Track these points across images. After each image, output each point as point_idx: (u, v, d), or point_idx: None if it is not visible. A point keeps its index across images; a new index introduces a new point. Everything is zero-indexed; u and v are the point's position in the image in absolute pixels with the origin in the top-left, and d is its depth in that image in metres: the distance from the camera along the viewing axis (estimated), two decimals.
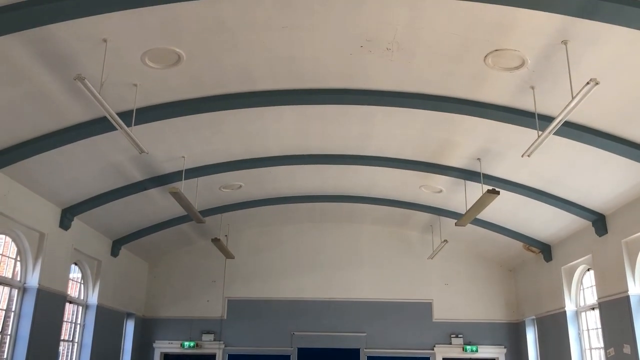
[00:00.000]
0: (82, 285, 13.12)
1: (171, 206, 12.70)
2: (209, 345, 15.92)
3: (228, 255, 15.47)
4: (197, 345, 15.86)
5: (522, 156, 8.27)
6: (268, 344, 15.89)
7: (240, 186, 13.03)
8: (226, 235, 15.96)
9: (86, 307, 13.10)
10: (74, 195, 11.14)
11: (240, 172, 11.94)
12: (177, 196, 10.33)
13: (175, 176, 11.37)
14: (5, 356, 9.94)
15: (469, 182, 11.72)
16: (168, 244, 16.19)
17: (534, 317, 14.97)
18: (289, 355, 15.80)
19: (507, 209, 12.61)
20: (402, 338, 15.88)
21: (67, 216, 11.38)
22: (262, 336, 15.98)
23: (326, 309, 16.17)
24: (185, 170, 11.20)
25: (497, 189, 10.00)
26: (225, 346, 15.91)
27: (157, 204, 12.90)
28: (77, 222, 11.95)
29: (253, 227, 16.77)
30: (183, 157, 10.85)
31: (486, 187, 10.51)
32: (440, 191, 12.82)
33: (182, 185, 11.04)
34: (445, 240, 14.27)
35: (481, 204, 10.42)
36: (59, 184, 10.43)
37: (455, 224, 11.96)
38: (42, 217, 10.68)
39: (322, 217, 16.47)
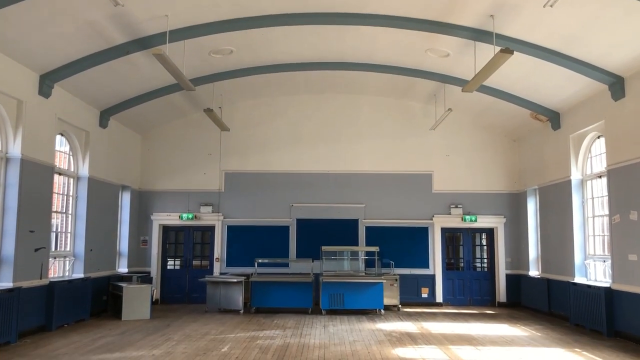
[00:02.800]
0: (71, 157, 12.67)
1: (159, 74, 11.87)
2: (208, 217, 15.87)
3: (223, 127, 14.91)
4: (195, 217, 15.81)
5: (544, 6, 7.36)
6: (267, 216, 15.84)
7: (232, 51, 12.11)
8: (220, 107, 15.27)
9: (77, 179, 12.75)
10: (51, 59, 10.32)
11: (230, 34, 10.98)
12: (162, 58, 9.50)
13: (158, 38, 10.44)
14: None
15: (479, 44, 10.81)
16: (160, 116, 15.57)
17: (536, 187, 14.74)
18: (288, 226, 15.81)
19: (518, 73, 11.81)
20: (401, 209, 15.80)
21: (46, 82, 10.65)
22: (261, 208, 15.90)
23: (325, 181, 15.94)
24: (170, 31, 10.25)
25: (510, 49, 9.17)
26: (224, 218, 15.86)
27: (143, 71, 12.07)
28: (59, 90, 11.23)
29: (247, 98, 16.04)
30: (166, 15, 9.86)
31: (498, 48, 9.64)
32: (448, 55, 11.93)
33: (167, 49, 10.15)
34: (450, 109, 13.62)
35: (492, 65, 9.62)
36: (31, 45, 9.58)
37: (462, 90, 11.23)
38: (18, 83, 9.95)
39: (320, 88, 15.67)
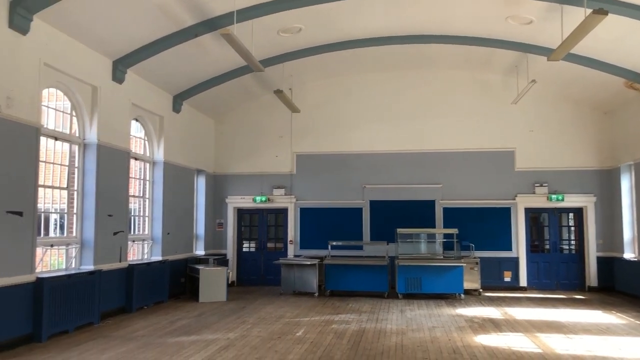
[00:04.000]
0: (146, 142, 12.88)
1: (228, 56, 11.75)
2: (281, 199, 15.79)
3: (293, 109, 14.70)
4: (268, 200, 15.78)
5: None
6: (339, 198, 15.54)
7: (300, 29, 11.79)
8: (290, 89, 15.06)
9: (153, 163, 12.96)
10: (123, 44, 10.43)
11: (299, 11, 10.66)
12: (230, 38, 9.34)
13: (226, 19, 10.27)
14: (75, 210, 9.99)
15: (567, 7, 9.90)
16: (232, 99, 15.57)
17: (631, 162, 13.52)
18: (361, 208, 15.45)
19: (611, 38, 10.75)
20: (480, 189, 15.01)
21: (119, 68, 10.78)
22: (333, 190, 15.61)
23: (399, 161, 15.40)
24: (237, 11, 10.04)
25: (604, 9, 8.27)
26: (296, 200, 15.72)
27: (213, 54, 12.00)
28: (132, 76, 11.37)
29: (318, 78, 15.71)
30: None
31: (590, 10, 8.73)
32: (531, 22, 11.04)
33: (235, 29, 9.95)
34: (534, 81, 12.68)
35: (583, 29, 8.75)
36: (104, 31, 9.69)
37: (548, 59, 10.36)
38: (93, 69, 10.11)
39: (392, 64, 15.07)
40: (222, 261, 14.72)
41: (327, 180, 15.65)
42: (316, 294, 13.46)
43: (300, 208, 15.72)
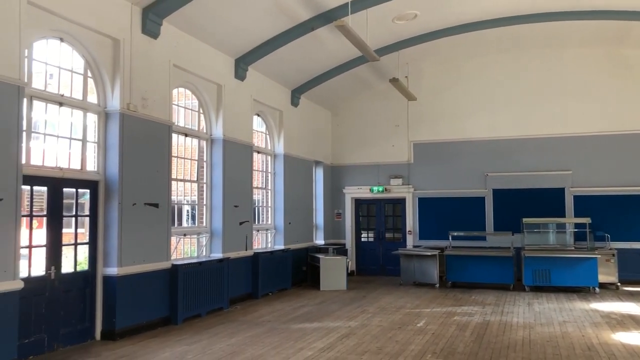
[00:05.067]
0: (267, 136, 13.37)
1: (343, 48, 11.84)
2: (398, 189, 15.66)
3: (409, 97, 14.48)
4: (386, 190, 15.72)
5: None
6: (460, 187, 15.09)
7: (416, 15, 11.56)
8: (406, 76, 14.83)
9: (274, 156, 13.43)
10: (243, 42, 10.88)
11: None
12: (345, 30, 9.39)
13: (341, 10, 10.34)
14: (204, 202, 10.64)
15: None
16: (347, 90, 15.68)
17: None
18: (484, 197, 14.88)
19: None
20: (617, 175, 13.80)
21: (240, 66, 11.28)
22: (453, 179, 15.17)
23: (523, 147, 14.59)
24: (351, 2, 10.08)
25: None
26: (414, 189, 15.51)
27: (329, 47, 12.15)
28: (252, 73, 11.83)
29: (434, 64, 15.33)
30: None
31: None
32: None
33: (350, 20, 9.99)
34: None
35: None
36: (226, 30, 10.18)
37: None
38: (217, 68, 10.66)
39: (514, 44, 14.29)
40: (342, 250, 14.94)
41: (446, 168, 15.25)
42: (437, 285, 13.21)
43: (419, 198, 15.49)
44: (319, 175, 15.83)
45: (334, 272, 12.87)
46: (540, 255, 12.43)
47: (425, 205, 15.38)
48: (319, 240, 15.57)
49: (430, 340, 7.72)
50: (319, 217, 15.69)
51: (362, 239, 16.31)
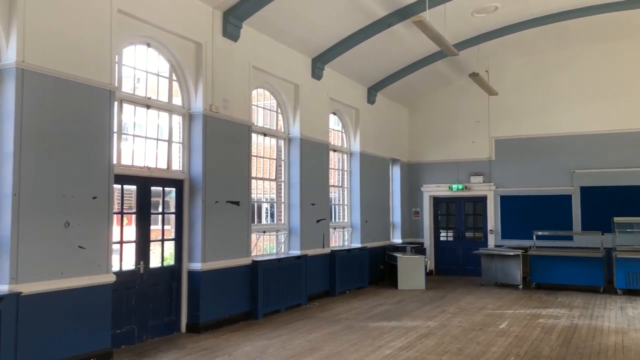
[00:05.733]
0: (343, 134, 13.40)
1: (420, 43, 11.67)
2: (479, 187, 15.24)
3: (490, 91, 14.03)
4: (465, 188, 15.34)
5: None
6: (544, 184, 14.45)
7: (496, 8, 11.20)
8: (487, 71, 14.36)
9: (350, 154, 13.44)
10: (321, 41, 10.97)
11: None
12: (422, 25, 9.23)
13: (418, 6, 10.19)
14: (282, 200, 10.83)
15: None
16: (425, 86, 15.43)
17: None
18: (570, 195, 14.17)
19: None
20: None
21: (317, 65, 11.38)
22: (537, 176, 14.56)
23: (615, 142, 13.75)
24: None
25: None
26: (496, 187, 15.03)
27: (405, 43, 12.00)
28: (329, 71, 11.89)
29: (516, 57, 14.77)
30: None
31: None
32: None
33: (427, 15, 9.82)
34: None
35: None
36: (304, 30, 10.30)
37: None
38: (294, 68, 10.81)
39: (602, 35, 13.49)
40: (420, 249, 14.73)
41: (529, 165, 14.66)
42: (520, 286, 12.73)
43: (501, 196, 14.99)
44: (395, 173, 15.70)
45: (412, 271, 12.71)
46: (634, 257, 11.69)
47: (508, 203, 14.86)
48: (396, 239, 15.43)
49: (513, 343, 7.46)
50: (396, 216, 15.55)
51: (441, 238, 16.01)
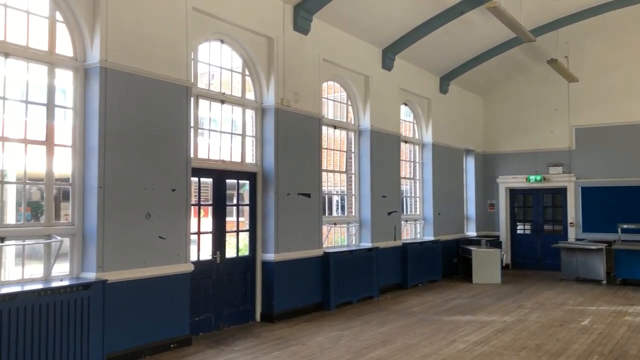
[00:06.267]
0: (415, 125, 13.21)
1: (495, 30, 11.30)
2: (558, 178, 14.60)
3: (570, 78, 13.39)
4: (544, 179, 14.75)
5: None
6: (630, 175, 13.62)
7: None
8: (566, 57, 13.70)
9: (422, 145, 13.24)
10: (390, 32, 10.84)
11: None
12: (497, 11, 8.95)
13: None
14: (353, 192, 10.85)
15: None
16: (500, 74, 14.93)
17: None
18: None
19: None
20: None
21: (388, 56, 11.27)
22: (622, 166, 13.76)
23: None
24: None
25: None
26: (576, 178, 14.35)
27: (479, 30, 11.66)
28: (399, 62, 11.74)
29: (597, 41, 13.97)
30: None
31: None
32: None
33: (502, 1, 9.48)
34: None
35: None
36: (373, 21, 10.22)
37: None
38: (364, 59, 10.75)
39: None
40: (495, 243, 14.31)
41: (613, 155, 13.89)
42: (604, 282, 12.12)
43: (582, 187, 14.30)
44: (469, 164, 15.31)
45: (487, 264, 12.39)
46: None
47: (589, 195, 14.15)
48: (471, 232, 15.07)
49: (596, 341, 7.12)
50: (470, 208, 15.18)
51: (518, 231, 15.48)
